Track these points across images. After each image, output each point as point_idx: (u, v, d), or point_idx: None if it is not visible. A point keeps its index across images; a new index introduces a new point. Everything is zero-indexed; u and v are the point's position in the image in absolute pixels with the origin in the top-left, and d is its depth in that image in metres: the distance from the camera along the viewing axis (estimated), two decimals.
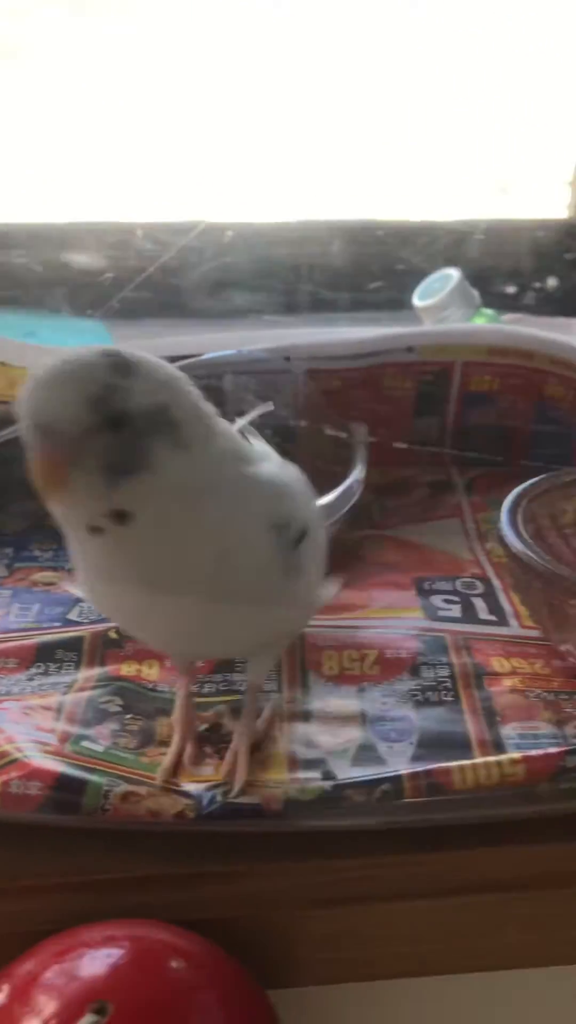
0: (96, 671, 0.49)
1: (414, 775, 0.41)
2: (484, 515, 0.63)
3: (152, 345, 0.66)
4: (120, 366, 0.35)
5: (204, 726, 0.46)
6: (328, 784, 0.41)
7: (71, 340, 0.88)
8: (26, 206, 0.84)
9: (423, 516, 0.64)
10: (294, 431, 0.67)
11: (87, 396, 0.34)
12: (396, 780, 0.41)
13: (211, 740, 0.46)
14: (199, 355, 0.65)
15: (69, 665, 0.50)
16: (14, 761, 0.42)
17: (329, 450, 0.67)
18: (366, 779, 0.41)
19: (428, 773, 0.41)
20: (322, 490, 0.66)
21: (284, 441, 0.67)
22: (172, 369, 0.38)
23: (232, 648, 0.47)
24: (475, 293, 0.79)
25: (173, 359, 0.63)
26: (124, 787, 0.41)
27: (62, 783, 0.41)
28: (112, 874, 0.42)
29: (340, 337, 0.66)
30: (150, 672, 0.50)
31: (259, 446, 0.46)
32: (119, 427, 0.35)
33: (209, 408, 0.39)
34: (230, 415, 0.66)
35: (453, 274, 0.79)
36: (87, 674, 0.49)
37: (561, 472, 0.57)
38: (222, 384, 0.65)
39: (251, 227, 0.83)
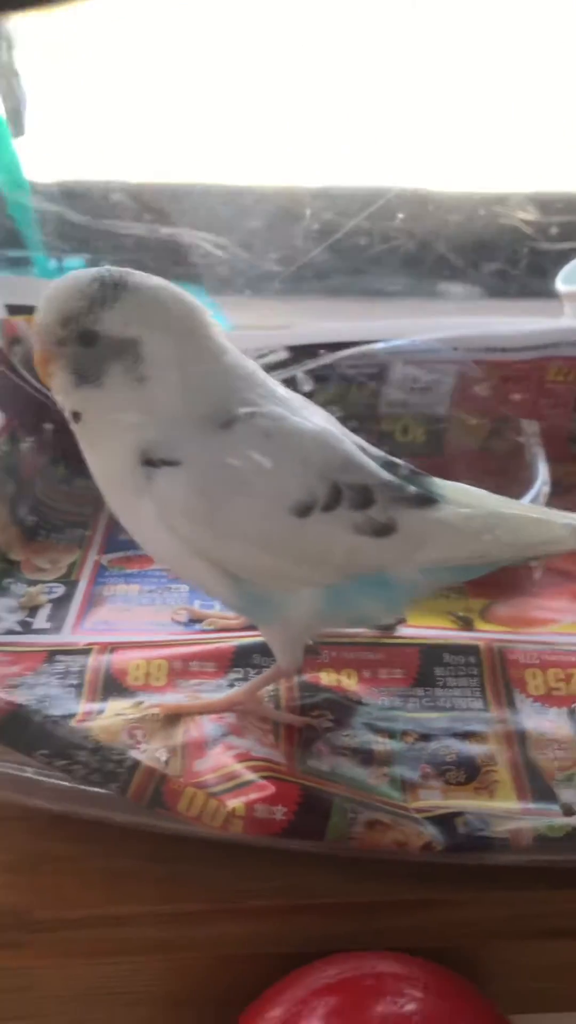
0: (295, 680, 0.48)
1: None
2: None
3: (316, 331, 0.65)
4: (107, 292, 0.41)
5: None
6: None
7: None
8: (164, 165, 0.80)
9: None
10: (447, 421, 0.66)
11: (66, 313, 0.41)
12: None
13: (433, 759, 0.45)
14: (366, 342, 0.63)
15: (267, 669, 0.49)
16: (251, 783, 0.41)
17: (485, 443, 0.66)
18: None
19: None
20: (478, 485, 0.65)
21: (438, 433, 0.66)
22: (171, 308, 0.41)
23: (194, 582, 0.47)
24: None
25: (338, 345, 0.63)
26: (368, 815, 0.40)
27: (307, 809, 0.40)
28: (339, 898, 0.42)
29: (511, 328, 0.64)
30: (350, 683, 0.48)
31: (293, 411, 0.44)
32: (88, 344, 0.41)
33: (199, 341, 0.42)
34: (395, 405, 0.66)
35: None
36: (288, 684, 0.48)
37: None
38: (390, 373, 0.64)
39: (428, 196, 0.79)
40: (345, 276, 0.77)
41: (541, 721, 0.47)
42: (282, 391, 0.44)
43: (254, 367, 0.44)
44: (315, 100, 0.79)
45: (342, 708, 0.47)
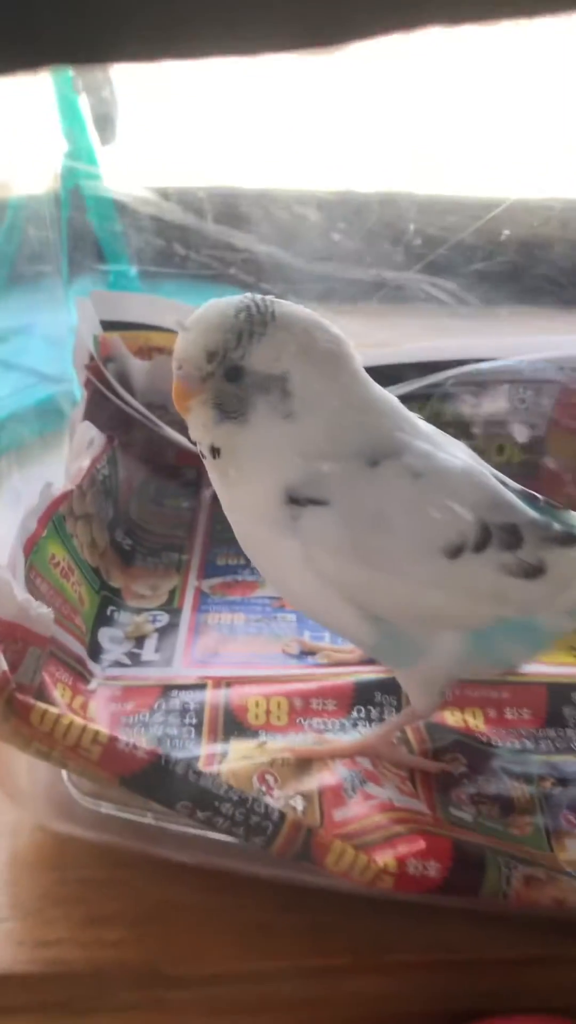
0: (422, 722, 0.46)
1: None
2: None
3: (418, 349, 0.63)
4: (255, 324, 0.39)
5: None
6: None
7: None
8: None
9: None
10: (546, 443, 0.64)
11: (212, 347, 0.39)
12: None
13: (574, 809, 0.43)
14: (469, 361, 0.61)
15: (390, 710, 0.47)
16: (398, 836, 0.39)
17: None
18: None
19: None
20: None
21: (534, 456, 0.64)
22: (319, 341, 0.40)
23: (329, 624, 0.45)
24: None
25: (436, 366, 0.62)
26: (524, 870, 0.38)
27: (461, 864, 0.38)
28: (485, 953, 0.40)
29: None
30: (477, 723, 0.47)
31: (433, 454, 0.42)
32: (234, 379, 0.39)
33: (343, 374, 0.40)
34: (492, 424, 0.64)
35: None
36: (415, 725, 0.46)
37: None
38: (499, 394, 0.62)
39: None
40: (449, 290, 0.75)
41: None
42: (424, 426, 0.43)
43: (396, 401, 0.43)
44: (423, 106, 0.77)
45: (475, 752, 0.45)
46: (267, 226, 0.71)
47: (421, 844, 0.39)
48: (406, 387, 0.61)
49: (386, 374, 0.61)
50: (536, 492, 0.62)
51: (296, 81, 0.70)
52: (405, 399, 0.60)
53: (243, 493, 0.41)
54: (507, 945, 0.40)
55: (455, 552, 0.40)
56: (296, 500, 0.40)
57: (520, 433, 0.64)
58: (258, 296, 0.40)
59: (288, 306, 0.40)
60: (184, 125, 0.69)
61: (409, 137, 0.72)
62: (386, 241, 0.71)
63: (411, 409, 0.62)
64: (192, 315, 0.40)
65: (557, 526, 0.42)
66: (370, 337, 0.74)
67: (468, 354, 0.61)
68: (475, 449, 0.64)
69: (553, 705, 0.48)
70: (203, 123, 0.69)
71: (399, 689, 0.47)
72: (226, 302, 0.39)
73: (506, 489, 0.42)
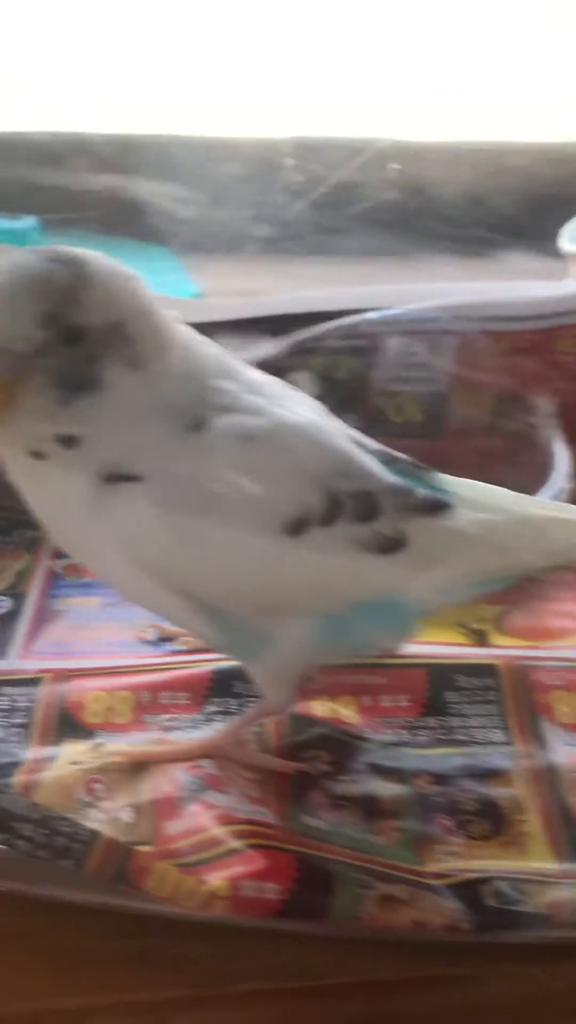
0: (272, 716, 0.41)
1: None
2: None
3: (299, 298, 0.57)
4: (78, 276, 0.32)
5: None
6: None
7: (136, 269, 0.78)
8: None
9: None
10: (448, 399, 0.58)
11: (42, 311, 0.31)
12: None
13: (450, 807, 0.38)
14: (357, 310, 0.55)
15: (251, 701, 0.41)
16: (236, 852, 0.34)
17: (491, 423, 0.58)
18: None
19: None
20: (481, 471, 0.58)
21: (437, 412, 0.59)
22: (126, 273, 0.33)
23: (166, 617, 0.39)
24: None
25: (327, 315, 0.56)
26: (381, 888, 0.33)
27: (305, 885, 0.33)
28: (345, 977, 0.35)
29: (518, 295, 0.56)
30: (348, 714, 0.41)
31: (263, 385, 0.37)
32: (74, 343, 0.32)
33: (163, 318, 0.34)
34: (393, 379, 0.58)
35: None
36: (275, 719, 0.41)
37: None
38: (383, 345, 0.56)
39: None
40: (328, 235, 0.69)
41: (573, 755, 0.40)
42: (258, 376, 0.37)
43: (218, 349, 0.36)
44: (293, 43, 0.71)
45: (340, 746, 0.40)
46: (133, 170, 0.66)
47: (260, 863, 0.33)
48: (289, 340, 0.55)
49: (268, 326, 0.56)
50: (443, 454, 0.58)
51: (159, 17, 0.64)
52: (289, 353, 0.56)
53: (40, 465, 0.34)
54: (372, 967, 0.35)
55: (297, 527, 0.34)
56: (108, 478, 0.33)
57: (420, 389, 0.59)
58: (47, 247, 0.33)
59: (85, 251, 0.33)
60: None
61: (286, 75, 0.66)
62: (264, 186, 0.65)
63: (296, 364, 0.58)
64: None
65: (421, 491, 0.36)
66: (251, 285, 0.69)
67: (356, 303, 0.56)
68: (373, 409, 0.60)
69: (434, 690, 0.42)
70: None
71: None
72: (27, 258, 0.32)
73: (361, 451, 0.36)
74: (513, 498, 0.39)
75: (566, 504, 0.42)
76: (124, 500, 0.33)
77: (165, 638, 0.45)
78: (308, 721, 0.41)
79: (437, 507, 0.36)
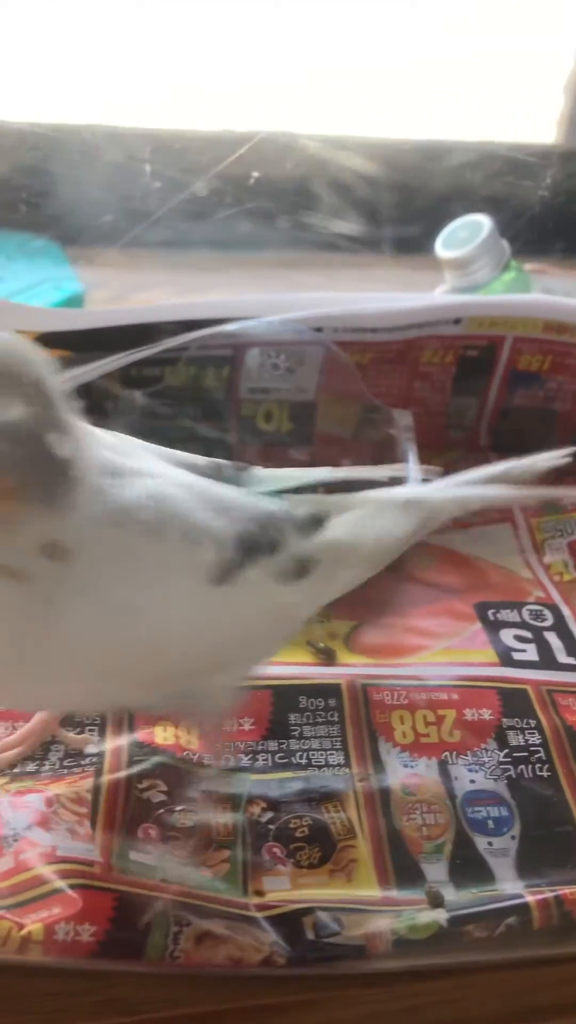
0: (125, 739, 0.41)
1: (543, 904, 0.35)
2: (538, 520, 0.56)
3: (164, 308, 0.56)
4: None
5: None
6: (443, 918, 0.34)
7: (18, 262, 0.76)
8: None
9: (467, 520, 0.56)
10: (314, 409, 0.58)
11: (37, 388, 0.28)
12: (523, 911, 0.35)
13: (281, 834, 0.38)
14: (215, 321, 0.54)
15: (91, 729, 0.41)
16: (56, 892, 0.33)
17: (357, 431, 0.59)
18: (488, 910, 0.35)
19: (560, 900, 0.35)
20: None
21: (305, 422, 0.59)
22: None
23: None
24: (505, 244, 0.70)
25: (186, 325, 0.55)
26: (196, 926, 0.33)
27: (121, 926, 0.33)
28: (175, 1010, 0.35)
29: (380, 307, 0.56)
30: (189, 739, 0.41)
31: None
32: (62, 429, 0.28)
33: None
34: (259, 389, 0.58)
35: (484, 222, 0.69)
36: (115, 744, 0.40)
37: None
38: (244, 359, 0.56)
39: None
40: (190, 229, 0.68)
41: (408, 776, 0.41)
42: (108, 437, 0.34)
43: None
44: (171, 31, 0.70)
45: (177, 775, 0.40)
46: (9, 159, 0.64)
47: (77, 904, 0.33)
48: (150, 349, 0.54)
49: (134, 335, 0.55)
50: (314, 461, 0.59)
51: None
52: (152, 363, 0.55)
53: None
54: (200, 998, 0.35)
55: (223, 574, 0.33)
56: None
57: (287, 398, 0.59)
58: None
59: None
60: None
61: (159, 65, 0.65)
62: (127, 180, 0.64)
63: (159, 374, 0.57)
64: None
65: (300, 511, 0.36)
66: (112, 289, 0.68)
67: (219, 313, 0.55)
68: (241, 417, 0.60)
69: (277, 712, 0.43)
70: None
71: None
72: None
73: (215, 482, 0.35)
74: (352, 496, 0.39)
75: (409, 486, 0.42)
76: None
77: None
78: (148, 749, 0.41)
79: (316, 522, 0.36)
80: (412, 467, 0.52)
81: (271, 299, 0.56)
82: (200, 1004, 0.35)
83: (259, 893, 0.36)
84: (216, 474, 0.37)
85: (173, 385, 0.56)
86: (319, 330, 0.55)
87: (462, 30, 0.75)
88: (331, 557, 0.36)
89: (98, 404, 0.55)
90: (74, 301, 0.69)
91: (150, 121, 0.68)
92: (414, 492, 0.41)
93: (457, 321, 0.58)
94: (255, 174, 0.65)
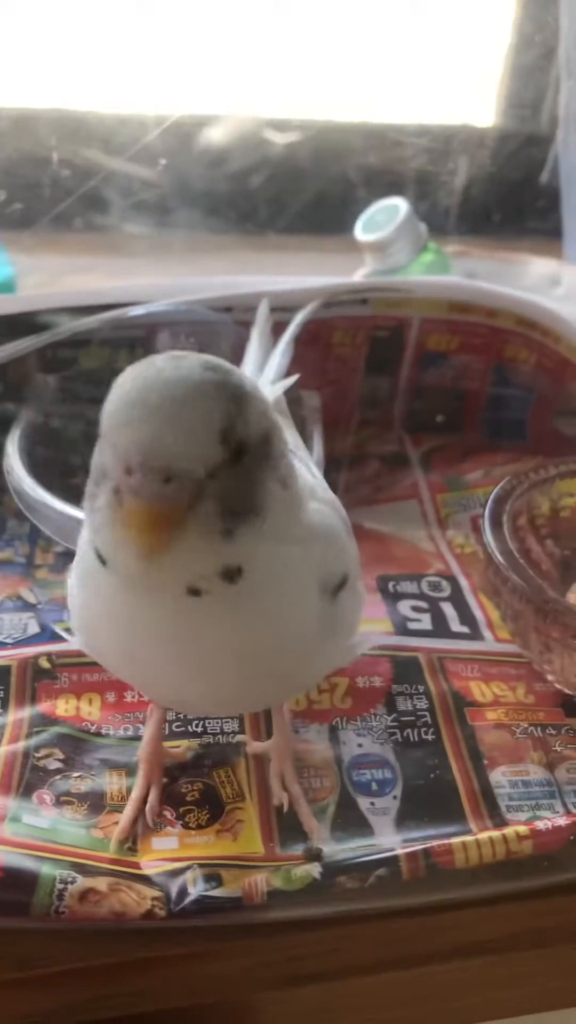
0: (27, 712, 0.42)
1: (412, 856, 0.37)
2: (443, 496, 0.58)
3: (72, 293, 0.57)
4: (240, 385, 0.30)
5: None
6: (316, 871, 0.36)
7: None
8: None
9: (375, 497, 0.58)
10: None
11: (221, 427, 0.28)
12: (392, 862, 0.37)
13: (172, 798, 0.40)
14: (126, 304, 0.56)
15: None
16: None
17: None
18: (359, 862, 0.37)
19: (428, 853, 0.37)
20: None
21: None
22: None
23: (259, 706, 0.42)
24: (423, 227, 0.71)
25: (96, 308, 0.56)
26: (81, 883, 0.35)
27: (7, 884, 0.35)
28: (57, 966, 0.37)
29: (294, 286, 0.58)
30: (91, 710, 0.43)
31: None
32: (237, 462, 0.29)
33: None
34: None
35: (401, 206, 0.70)
36: (17, 716, 0.42)
37: (539, 463, 0.52)
38: (155, 341, 0.57)
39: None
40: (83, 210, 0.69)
41: (298, 742, 0.42)
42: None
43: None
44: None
45: (75, 743, 0.41)
46: None
47: None
48: (59, 333, 0.55)
49: (37, 320, 0.56)
50: None
51: None
52: (65, 345, 0.56)
53: (279, 606, 0.33)
54: (92, 953, 0.37)
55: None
56: (332, 587, 0.35)
57: None
58: (190, 354, 0.30)
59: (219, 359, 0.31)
60: None
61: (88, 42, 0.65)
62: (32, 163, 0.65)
63: (73, 356, 0.58)
64: (143, 396, 0.28)
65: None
66: (60, 271, 0.69)
67: (130, 297, 0.56)
68: None
69: None
70: None
71: (6, 678, 0.43)
72: (183, 368, 0.29)
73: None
74: None
75: None
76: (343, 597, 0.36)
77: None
78: (49, 720, 0.42)
79: None
80: (317, 447, 0.54)
81: (183, 282, 0.58)
82: (91, 959, 0.37)
83: (150, 852, 0.37)
84: None
85: (88, 368, 0.57)
86: (228, 310, 0.57)
87: (394, 8, 0.76)
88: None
89: (14, 388, 0.56)
90: (5, 286, 0.70)
91: (60, 103, 0.69)
92: None
93: (364, 302, 0.59)
94: (162, 161, 0.66)
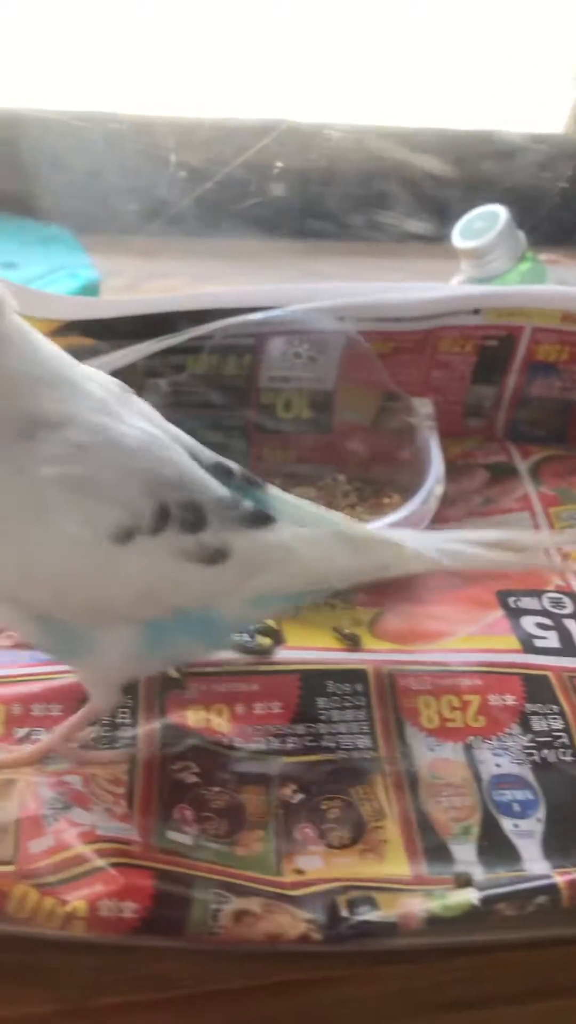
0: (158, 723, 0.42)
1: (572, 883, 0.36)
2: (556, 510, 0.57)
3: (187, 297, 0.57)
4: None
5: None
6: (475, 897, 0.35)
7: (33, 249, 0.76)
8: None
9: (486, 509, 0.57)
10: (334, 396, 0.59)
11: None
12: (552, 890, 0.36)
13: (311, 814, 0.39)
14: (242, 309, 0.55)
15: (123, 712, 0.42)
16: (98, 871, 0.34)
17: (376, 420, 0.59)
18: (518, 889, 0.36)
19: None
20: (366, 467, 0.59)
21: (325, 409, 0.60)
22: None
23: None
24: (521, 235, 0.70)
25: (212, 314, 0.55)
26: (235, 904, 0.34)
27: (162, 903, 0.34)
28: (205, 987, 0.36)
29: (404, 296, 0.57)
30: (221, 722, 0.42)
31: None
32: None
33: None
34: (279, 377, 0.58)
35: (500, 213, 0.69)
36: (148, 728, 0.41)
37: None
38: (267, 347, 0.56)
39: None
40: (219, 225, 0.69)
41: (435, 760, 0.41)
42: (96, 388, 0.37)
43: (69, 363, 0.37)
44: (191, 19, 0.70)
45: (210, 757, 0.40)
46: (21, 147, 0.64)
47: (120, 881, 0.34)
48: (172, 339, 0.55)
49: (157, 323, 0.55)
50: (331, 449, 0.59)
51: None
52: (176, 351, 0.56)
53: None
54: (228, 975, 0.36)
55: (125, 536, 0.35)
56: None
57: (307, 386, 0.59)
58: None
59: None
60: None
61: (183, 52, 0.65)
62: (151, 170, 0.64)
63: (187, 362, 0.58)
64: None
65: (247, 504, 0.38)
66: (141, 275, 0.68)
67: (242, 302, 0.56)
68: (260, 405, 0.61)
69: (305, 696, 0.43)
70: None
71: (134, 687, 0.43)
72: None
73: (195, 464, 0.38)
74: (332, 517, 0.41)
75: (378, 527, 0.43)
76: None
77: None
78: (180, 732, 0.41)
79: (261, 520, 0.38)
80: (435, 455, 0.53)
81: (294, 288, 0.57)
82: (230, 980, 0.36)
83: (296, 872, 0.36)
84: (220, 473, 0.38)
85: (195, 373, 0.57)
86: (341, 319, 0.56)
87: (477, 18, 0.75)
88: (255, 555, 0.38)
89: None
90: (90, 289, 0.69)
91: (175, 110, 0.69)
92: (386, 533, 0.42)
93: (476, 311, 0.58)
94: (279, 164, 0.65)
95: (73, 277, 0.70)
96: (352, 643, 0.46)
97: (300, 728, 0.42)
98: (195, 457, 0.38)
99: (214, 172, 0.67)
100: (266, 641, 0.45)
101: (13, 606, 0.36)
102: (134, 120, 0.70)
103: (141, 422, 0.37)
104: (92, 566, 0.35)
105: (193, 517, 0.36)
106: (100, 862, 0.35)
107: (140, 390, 0.55)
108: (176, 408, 0.56)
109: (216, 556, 0.37)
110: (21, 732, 0.40)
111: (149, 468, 0.36)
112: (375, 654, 0.46)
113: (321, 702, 0.43)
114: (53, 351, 0.37)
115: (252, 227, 0.74)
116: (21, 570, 0.34)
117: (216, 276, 0.73)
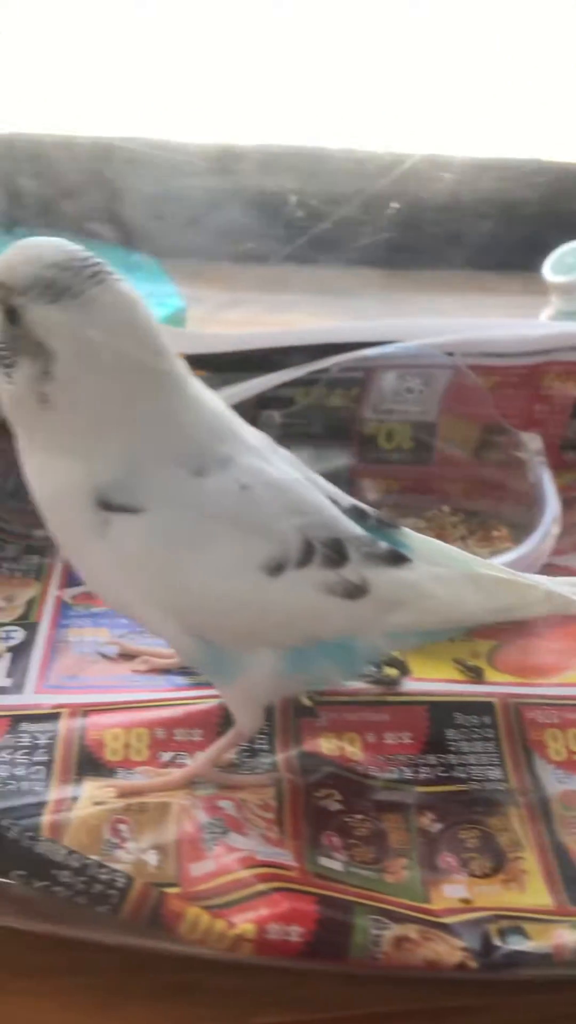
0: (294, 750, 0.43)
1: None
2: None
3: (303, 332, 0.58)
4: (62, 281, 0.35)
5: None
6: None
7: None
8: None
9: None
10: (436, 428, 0.60)
11: (6, 275, 0.35)
12: None
13: (451, 843, 0.40)
14: (362, 344, 0.56)
15: (261, 739, 0.43)
16: (261, 894, 0.36)
17: (477, 452, 0.61)
18: None
19: None
20: (468, 498, 0.60)
21: (427, 440, 0.61)
22: (124, 346, 0.36)
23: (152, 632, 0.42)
24: None
25: (325, 349, 0.57)
26: (395, 930, 0.35)
27: (326, 927, 0.35)
28: (352, 1010, 0.37)
29: (509, 333, 0.58)
30: (354, 751, 0.43)
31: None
32: (12, 320, 0.35)
33: (178, 405, 0.38)
34: (380, 411, 0.60)
35: None
36: (285, 756, 0.43)
37: None
38: (379, 378, 0.58)
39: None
40: (322, 261, 0.70)
41: (565, 792, 0.42)
42: (253, 437, 0.40)
43: (222, 407, 0.40)
44: (294, 50, 0.71)
45: (349, 785, 0.42)
46: (115, 176, 0.66)
47: (283, 906, 0.35)
48: (293, 372, 0.56)
49: (273, 358, 0.57)
50: (432, 480, 0.60)
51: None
52: (291, 384, 0.58)
53: (47, 478, 0.38)
54: (374, 999, 0.37)
55: (276, 568, 0.38)
56: (108, 506, 0.37)
57: (410, 418, 0.61)
58: (95, 259, 0.36)
59: (116, 292, 0.35)
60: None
61: (286, 83, 0.67)
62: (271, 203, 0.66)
63: (296, 395, 0.60)
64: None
65: (383, 544, 0.40)
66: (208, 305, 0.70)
67: (356, 337, 0.57)
68: (364, 436, 0.62)
69: (435, 727, 0.45)
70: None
71: (270, 714, 0.44)
72: (58, 245, 0.36)
73: (334, 505, 0.40)
74: (463, 557, 0.43)
75: (508, 568, 0.44)
76: (126, 528, 0.37)
77: (126, 655, 0.47)
78: (317, 759, 0.43)
79: (397, 559, 0.40)
80: (549, 492, 0.54)
81: (405, 323, 0.58)
82: (381, 1004, 0.37)
83: (442, 900, 0.38)
84: (356, 516, 0.41)
85: (305, 404, 0.58)
86: (450, 354, 0.58)
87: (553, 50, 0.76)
88: (391, 591, 0.40)
89: None
90: (177, 317, 0.71)
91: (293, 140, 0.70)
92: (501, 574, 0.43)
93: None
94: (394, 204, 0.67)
95: (161, 305, 0.71)
96: (476, 675, 0.48)
97: (431, 759, 0.43)
98: (334, 500, 0.41)
99: (332, 209, 0.69)
100: (393, 672, 0.47)
101: (175, 622, 0.38)
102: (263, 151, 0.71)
103: (287, 467, 0.41)
104: (245, 593, 0.38)
105: (335, 554, 0.39)
106: (261, 886, 0.36)
107: (253, 421, 0.58)
108: (284, 440, 0.59)
109: (355, 591, 0.39)
110: (166, 756, 0.42)
111: (297, 508, 0.39)
112: (499, 687, 0.47)
113: (450, 733, 0.45)
114: (212, 395, 0.40)
115: (327, 255, 0.75)
116: (184, 591, 0.37)
117: (293, 305, 0.75)
